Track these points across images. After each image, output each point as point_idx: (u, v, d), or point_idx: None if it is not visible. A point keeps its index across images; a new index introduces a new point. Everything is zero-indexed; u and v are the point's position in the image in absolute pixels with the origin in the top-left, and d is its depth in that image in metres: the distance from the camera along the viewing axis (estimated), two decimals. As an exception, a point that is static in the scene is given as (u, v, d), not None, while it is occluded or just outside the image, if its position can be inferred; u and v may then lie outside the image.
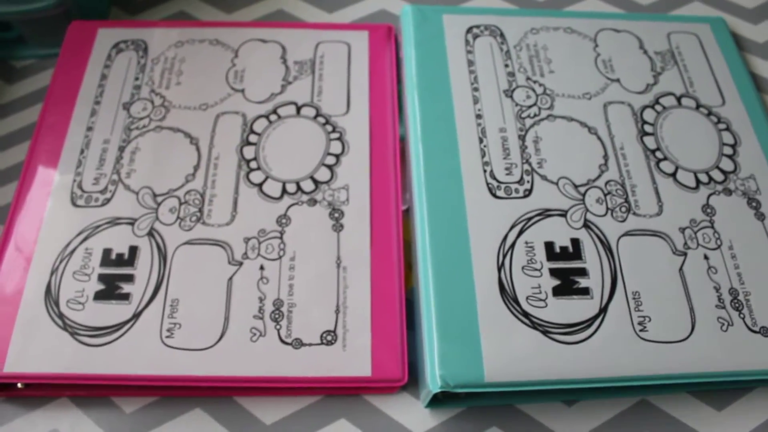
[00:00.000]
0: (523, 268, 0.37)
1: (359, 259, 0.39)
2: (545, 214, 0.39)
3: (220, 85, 0.45)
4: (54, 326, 0.37)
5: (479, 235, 0.38)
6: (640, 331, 0.36)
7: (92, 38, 0.48)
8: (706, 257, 0.38)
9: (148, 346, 0.36)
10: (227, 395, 0.37)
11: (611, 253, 0.38)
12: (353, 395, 0.37)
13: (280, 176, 0.42)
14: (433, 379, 0.34)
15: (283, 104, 0.45)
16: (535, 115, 0.43)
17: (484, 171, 0.40)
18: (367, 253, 0.39)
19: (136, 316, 0.37)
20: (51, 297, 0.38)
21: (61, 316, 0.37)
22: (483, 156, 0.41)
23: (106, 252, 0.39)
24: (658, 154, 0.42)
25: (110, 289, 0.38)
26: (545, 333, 0.35)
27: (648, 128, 0.43)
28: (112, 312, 0.37)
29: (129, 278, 0.38)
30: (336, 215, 0.40)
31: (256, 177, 0.42)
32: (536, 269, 0.37)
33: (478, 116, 0.42)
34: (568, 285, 0.37)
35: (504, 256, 0.37)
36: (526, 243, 0.38)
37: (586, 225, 0.39)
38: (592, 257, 0.38)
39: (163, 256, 0.39)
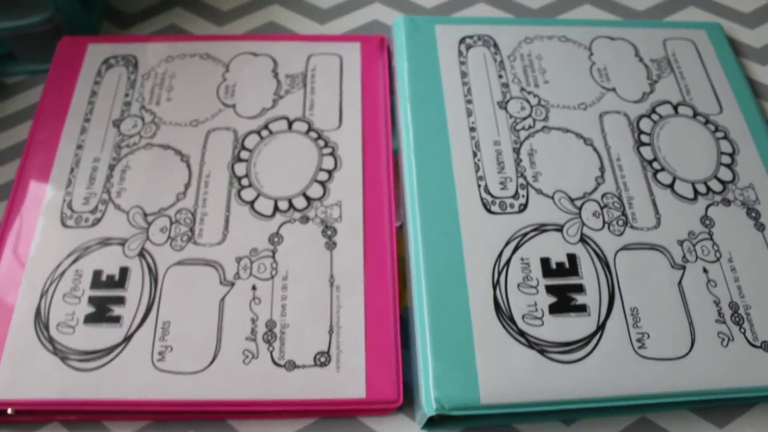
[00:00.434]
0: (518, 285, 0.36)
1: (353, 278, 0.38)
2: (541, 229, 0.38)
3: (210, 101, 0.45)
4: (44, 351, 0.36)
5: (474, 252, 0.37)
6: (639, 348, 0.35)
7: (82, 54, 0.47)
8: (705, 270, 0.38)
9: (140, 370, 0.36)
10: (221, 418, 0.37)
11: (608, 268, 0.37)
12: (348, 417, 0.37)
13: (271, 193, 0.41)
14: (428, 402, 0.33)
15: (274, 119, 0.44)
16: (530, 127, 0.42)
17: (479, 186, 0.39)
18: (360, 271, 0.39)
19: (127, 339, 0.37)
20: (41, 320, 0.37)
21: (51, 340, 0.36)
22: (477, 170, 0.40)
23: (97, 274, 0.38)
24: (656, 165, 0.41)
25: (101, 312, 0.37)
26: (542, 352, 0.35)
27: (645, 138, 0.42)
28: (103, 335, 0.37)
29: (120, 300, 0.38)
30: (329, 233, 0.40)
31: (248, 194, 0.41)
32: (532, 286, 0.36)
33: (472, 129, 0.41)
34: (564, 302, 0.36)
35: (499, 274, 0.37)
36: (522, 259, 0.37)
37: (583, 239, 0.38)
38: (589, 273, 0.37)
39: (154, 278, 0.38)
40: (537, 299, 0.36)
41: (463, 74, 0.44)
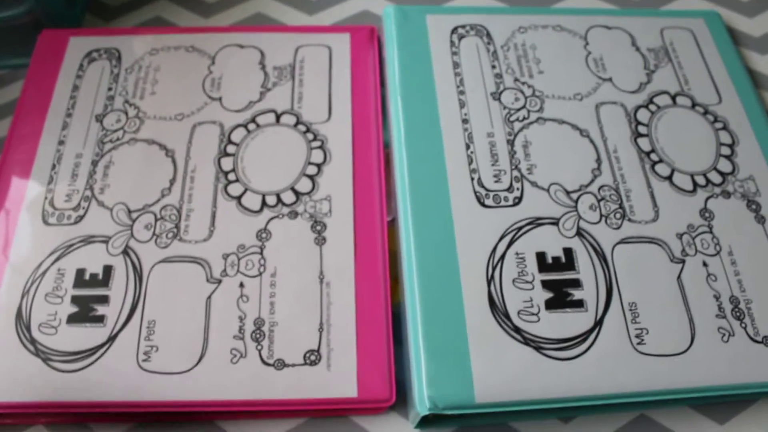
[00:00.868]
0: (513, 280, 0.35)
1: (343, 274, 0.37)
2: (536, 222, 0.37)
3: (196, 94, 0.44)
4: (26, 352, 0.35)
5: (467, 247, 0.36)
6: (638, 344, 0.34)
7: (63, 47, 0.46)
8: (705, 264, 0.37)
9: (125, 370, 0.35)
10: (209, 419, 0.36)
11: (606, 263, 0.36)
12: (339, 417, 0.36)
13: (259, 188, 0.40)
14: (422, 401, 0.32)
15: (262, 112, 0.43)
16: (524, 119, 0.41)
17: (472, 179, 0.38)
18: (351, 267, 0.38)
19: (112, 339, 0.35)
20: (22, 321, 0.36)
21: (33, 341, 0.35)
22: (470, 163, 0.39)
23: (80, 272, 0.37)
24: (653, 157, 0.40)
25: (84, 312, 0.36)
26: (538, 349, 0.34)
27: (642, 129, 0.41)
28: (87, 335, 0.36)
29: (103, 299, 0.36)
30: (318, 228, 0.39)
31: (235, 189, 0.40)
32: (527, 281, 0.35)
33: (465, 120, 0.40)
34: (561, 297, 0.35)
35: (494, 269, 0.36)
36: (517, 254, 0.36)
37: (579, 233, 0.37)
38: (585, 267, 0.36)
39: (138, 276, 0.37)
40: (533, 295, 0.35)
41: (456, 65, 0.43)
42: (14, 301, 0.36)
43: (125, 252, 0.38)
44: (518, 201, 0.38)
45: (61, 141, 0.42)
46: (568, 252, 0.36)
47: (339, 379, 0.35)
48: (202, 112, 0.43)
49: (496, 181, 0.38)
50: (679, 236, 0.38)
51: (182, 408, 0.34)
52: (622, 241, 0.37)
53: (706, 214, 0.38)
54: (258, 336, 0.36)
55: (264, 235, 0.38)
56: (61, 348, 0.35)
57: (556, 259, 0.36)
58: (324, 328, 0.36)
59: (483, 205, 0.38)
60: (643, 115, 0.42)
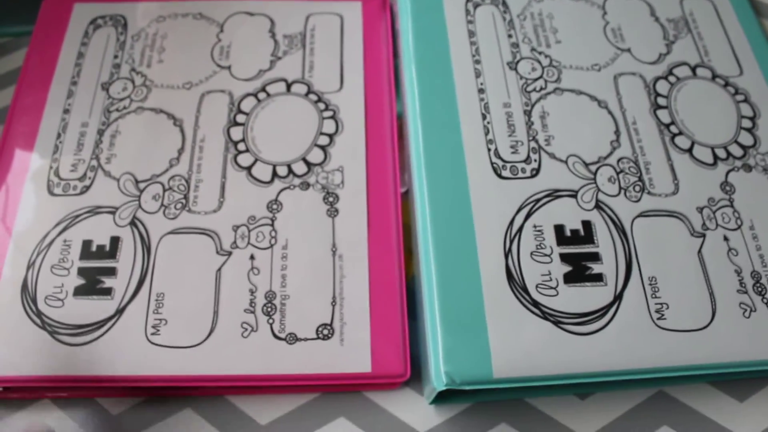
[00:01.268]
0: (531, 253, 0.35)
1: (356, 246, 0.37)
2: (554, 195, 0.36)
3: (204, 62, 0.43)
4: (32, 325, 0.34)
5: (484, 219, 0.35)
6: (658, 319, 0.33)
7: (68, 14, 0.45)
8: (726, 238, 0.36)
9: (133, 344, 0.34)
10: (219, 394, 0.35)
11: (625, 236, 0.35)
12: (352, 392, 0.35)
13: (270, 159, 0.39)
14: (438, 376, 0.32)
15: (272, 81, 0.42)
16: (542, 89, 0.40)
17: (488, 149, 0.37)
18: (364, 239, 0.37)
19: (120, 312, 0.35)
20: (28, 293, 0.35)
21: (39, 314, 0.35)
22: (486, 133, 0.38)
23: (86, 244, 0.36)
24: (673, 129, 0.39)
25: (91, 284, 0.35)
26: (557, 323, 0.33)
27: (661, 101, 0.40)
28: (94, 308, 0.35)
29: (111, 271, 0.36)
30: (330, 199, 0.38)
31: (245, 160, 0.39)
32: (546, 254, 0.35)
33: (481, 90, 0.39)
34: (580, 271, 0.34)
35: (511, 241, 0.35)
36: (535, 227, 0.35)
37: (598, 206, 0.36)
38: (605, 241, 0.35)
39: (146, 247, 0.36)
40: (551, 268, 0.34)
41: (471, 33, 0.42)
42: (19, 273, 0.36)
43: (132, 223, 0.37)
44: (536, 173, 0.37)
45: (66, 110, 0.41)
46: (587, 225, 0.36)
47: (352, 353, 0.34)
48: (211, 81, 0.42)
49: (513, 152, 0.37)
50: (700, 210, 0.37)
51: (192, 383, 0.34)
52: (642, 215, 0.36)
53: (727, 188, 0.38)
54: (269, 309, 0.35)
55: (275, 207, 0.37)
56: (68, 321, 0.34)
57: (574, 232, 0.35)
58: (337, 302, 0.35)
59: (500, 176, 0.37)
60: (662, 87, 0.41)
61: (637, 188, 0.37)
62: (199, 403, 0.35)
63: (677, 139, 0.39)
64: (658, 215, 0.36)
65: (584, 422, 0.34)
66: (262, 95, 0.41)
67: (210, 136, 0.40)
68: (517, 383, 0.32)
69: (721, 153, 0.39)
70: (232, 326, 0.34)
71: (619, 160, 0.38)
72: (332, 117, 0.40)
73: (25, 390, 0.35)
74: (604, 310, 0.34)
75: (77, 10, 0.45)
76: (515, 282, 0.34)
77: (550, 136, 0.38)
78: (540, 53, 0.41)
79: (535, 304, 0.33)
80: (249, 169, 0.39)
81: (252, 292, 0.35)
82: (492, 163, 0.37)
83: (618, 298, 0.34)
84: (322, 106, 0.41)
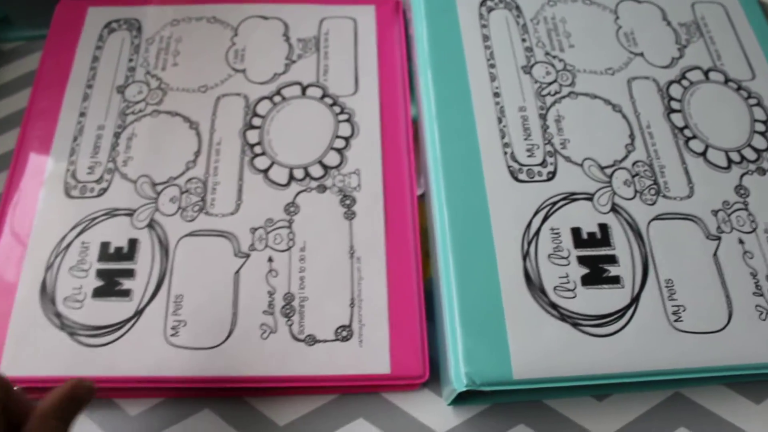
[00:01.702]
0: (549, 256, 0.35)
1: (374, 248, 0.37)
2: (570, 198, 0.37)
3: (219, 66, 0.43)
4: (51, 326, 0.35)
5: (501, 222, 0.35)
6: (675, 321, 0.34)
7: (82, 18, 0.45)
8: (741, 241, 0.36)
9: (152, 345, 0.34)
10: (238, 395, 0.35)
11: (641, 239, 0.36)
12: (371, 393, 0.35)
13: (286, 161, 0.39)
14: (458, 377, 0.32)
15: (287, 84, 0.42)
16: (556, 93, 0.40)
17: (505, 153, 0.38)
18: (381, 241, 0.37)
19: (138, 313, 0.35)
20: (47, 295, 0.35)
21: (58, 315, 0.35)
22: (503, 137, 0.38)
23: (104, 246, 0.37)
24: (687, 132, 0.39)
25: (110, 286, 0.35)
26: (575, 325, 0.33)
27: (675, 105, 0.41)
28: (113, 310, 0.35)
29: (129, 273, 0.36)
30: (347, 202, 0.38)
31: (261, 163, 0.39)
32: (563, 257, 0.35)
33: (496, 94, 0.40)
34: (597, 273, 0.35)
35: (529, 244, 0.35)
36: (552, 229, 0.36)
37: (614, 209, 0.36)
38: (621, 243, 0.35)
39: (164, 249, 0.36)
40: (569, 270, 0.35)
41: (485, 38, 0.42)
42: (38, 275, 0.36)
43: (150, 225, 0.37)
44: (552, 176, 0.37)
45: (82, 113, 0.41)
46: (604, 228, 0.36)
47: (371, 355, 0.34)
48: (226, 84, 0.42)
49: (529, 156, 0.38)
50: (714, 213, 0.37)
51: (211, 384, 0.34)
52: (657, 218, 0.36)
53: (741, 191, 0.38)
54: (288, 311, 0.35)
55: (292, 209, 0.38)
56: (87, 322, 0.35)
57: (591, 234, 0.36)
58: (355, 304, 0.35)
59: (516, 179, 0.37)
60: (675, 91, 0.41)
61: (653, 191, 0.37)
62: (218, 404, 0.35)
63: (691, 143, 0.39)
64: (674, 218, 0.37)
65: (601, 423, 0.35)
66: (277, 98, 0.41)
67: (226, 139, 0.40)
68: (536, 384, 0.32)
69: (735, 156, 0.39)
70: (251, 328, 0.35)
71: (634, 164, 0.38)
72: (348, 120, 0.41)
73: (44, 390, 0.35)
74: (621, 312, 0.34)
75: (91, 14, 0.45)
76: (533, 284, 0.34)
77: (566, 139, 0.38)
78: (554, 57, 0.42)
79: (554, 306, 0.34)
80: (266, 171, 0.39)
81: (270, 294, 0.35)
82: (508, 167, 0.37)
83: (635, 300, 0.34)
84: (337, 109, 0.41)
